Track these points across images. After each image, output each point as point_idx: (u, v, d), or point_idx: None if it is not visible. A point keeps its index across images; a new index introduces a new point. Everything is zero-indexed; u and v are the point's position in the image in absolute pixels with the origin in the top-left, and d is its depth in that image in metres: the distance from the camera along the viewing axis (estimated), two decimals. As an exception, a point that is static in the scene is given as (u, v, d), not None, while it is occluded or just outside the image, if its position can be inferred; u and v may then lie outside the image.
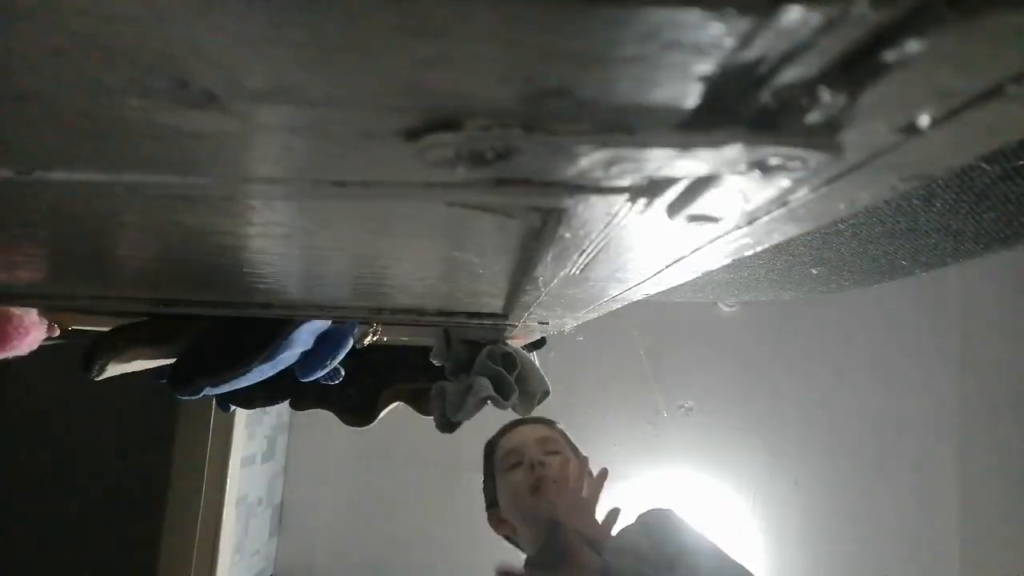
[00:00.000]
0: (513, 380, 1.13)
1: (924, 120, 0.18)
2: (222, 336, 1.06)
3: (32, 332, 0.98)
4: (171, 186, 0.26)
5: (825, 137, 0.18)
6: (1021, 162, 0.53)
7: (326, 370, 1.15)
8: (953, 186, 0.53)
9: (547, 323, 0.79)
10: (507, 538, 1.41)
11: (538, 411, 1.18)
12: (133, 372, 1.08)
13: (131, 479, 2.11)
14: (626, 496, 2.54)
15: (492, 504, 1.43)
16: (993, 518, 2.38)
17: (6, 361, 0.98)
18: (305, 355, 1.12)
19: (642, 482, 2.54)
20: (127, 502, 2.10)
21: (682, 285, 0.48)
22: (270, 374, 1.11)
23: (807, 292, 0.94)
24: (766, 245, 0.34)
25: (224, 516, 2.02)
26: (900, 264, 0.72)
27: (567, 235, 0.32)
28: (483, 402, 1.10)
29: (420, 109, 0.17)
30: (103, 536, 2.10)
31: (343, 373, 1.18)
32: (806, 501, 2.51)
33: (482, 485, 1.46)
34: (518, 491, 1.32)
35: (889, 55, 0.15)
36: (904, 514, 2.48)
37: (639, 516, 1.25)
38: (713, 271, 0.41)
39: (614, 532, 1.21)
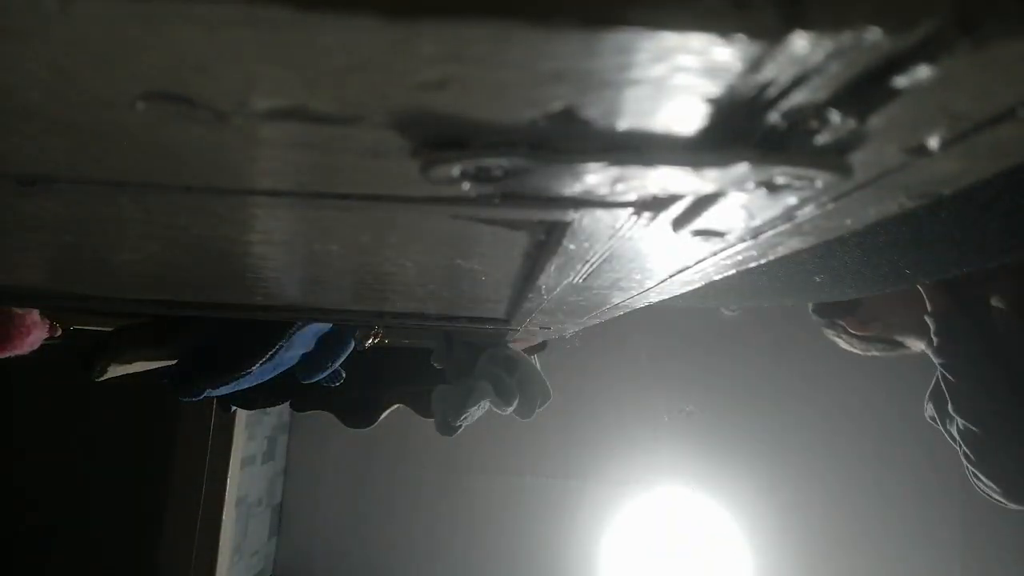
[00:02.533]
0: (514, 384, 1.13)
1: (934, 142, 0.18)
2: (223, 338, 1.06)
3: (33, 332, 0.98)
4: (175, 197, 0.26)
5: (833, 158, 0.18)
6: (1026, 172, 0.53)
7: (327, 372, 1.15)
8: (958, 197, 0.52)
9: (549, 328, 0.79)
10: (871, 339, 1.38)
11: (539, 415, 1.18)
12: (134, 373, 1.08)
13: (131, 479, 2.11)
14: (626, 499, 2.54)
15: (848, 312, 1.39)
16: (996, 530, 2.37)
17: (7, 361, 0.98)
18: (306, 357, 1.12)
19: (642, 485, 2.53)
20: (127, 502, 2.10)
21: (684, 292, 0.47)
22: (271, 375, 1.11)
23: (810, 299, 0.94)
24: (771, 258, 0.34)
25: (224, 516, 2.01)
26: (904, 273, 0.72)
27: (571, 247, 0.32)
28: (484, 406, 1.11)
29: (425, 129, 0.17)
30: (103, 536, 2.09)
31: (344, 375, 1.18)
32: (806, 504, 2.50)
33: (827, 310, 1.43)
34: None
35: (900, 80, 0.15)
36: (906, 518, 2.47)
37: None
38: (715, 279, 0.41)
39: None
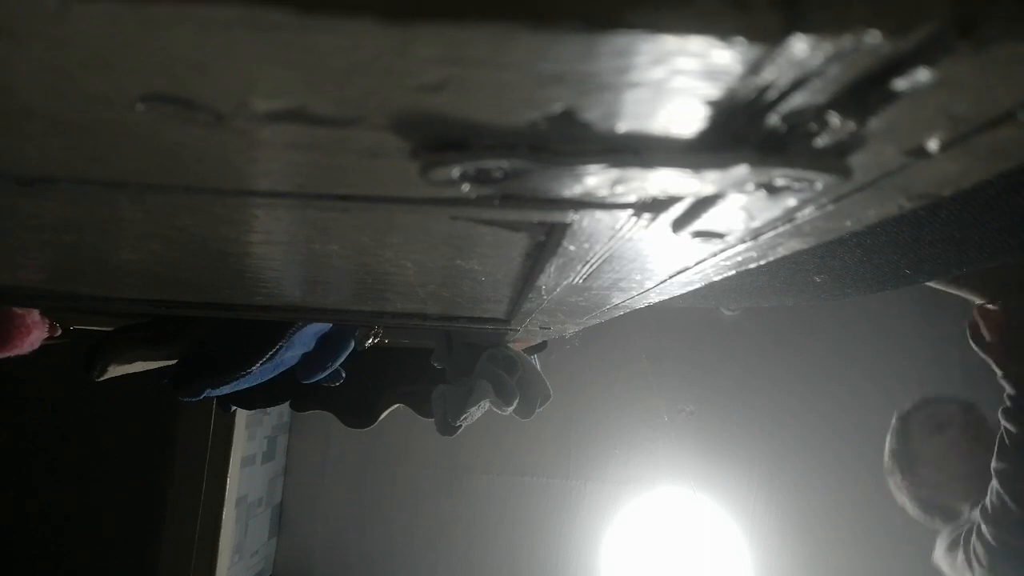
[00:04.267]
0: (514, 384, 1.13)
1: (933, 144, 0.18)
2: (223, 337, 1.06)
3: (33, 332, 0.98)
4: (174, 198, 0.26)
5: (833, 160, 0.18)
6: (1026, 173, 0.53)
7: (327, 372, 1.14)
8: (958, 197, 0.52)
9: (549, 328, 0.79)
10: (922, 500, 1.45)
11: (539, 415, 1.18)
12: (134, 373, 1.08)
13: (131, 479, 2.11)
14: (626, 499, 2.54)
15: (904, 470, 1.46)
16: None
17: (7, 361, 0.98)
18: (306, 357, 1.12)
19: (642, 485, 2.53)
20: (127, 502, 2.10)
21: (684, 293, 0.47)
22: (271, 375, 1.11)
23: (810, 300, 0.94)
24: (770, 259, 0.34)
25: (224, 516, 2.01)
26: (904, 273, 0.72)
27: (571, 248, 0.32)
28: (484, 406, 1.10)
29: (425, 131, 0.17)
30: (103, 536, 2.09)
31: (344, 375, 1.18)
32: (806, 505, 2.51)
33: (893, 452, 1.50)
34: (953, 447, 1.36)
35: (900, 83, 0.15)
36: (906, 518, 2.47)
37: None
38: (715, 280, 0.41)
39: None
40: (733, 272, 0.37)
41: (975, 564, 1.23)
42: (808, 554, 2.50)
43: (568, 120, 0.16)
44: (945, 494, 1.42)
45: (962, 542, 1.30)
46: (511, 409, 1.13)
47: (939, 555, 1.43)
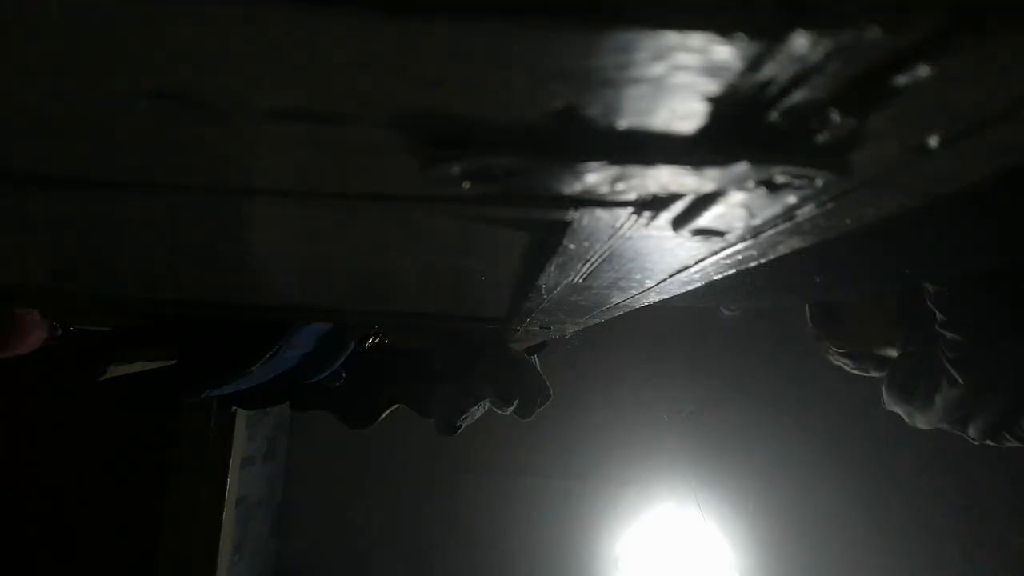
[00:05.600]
0: (514, 384, 1.13)
1: (934, 141, 0.18)
2: (224, 338, 1.06)
3: (34, 332, 0.98)
4: (175, 197, 0.26)
5: (834, 157, 0.18)
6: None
7: (327, 372, 1.15)
8: (957, 197, 0.52)
9: (549, 327, 0.79)
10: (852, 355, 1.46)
11: (539, 415, 1.18)
12: (134, 373, 1.08)
13: (131, 479, 2.11)
14: (625, 498, 2.54)
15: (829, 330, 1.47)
16: (995, 524, 2.37)
17: (7, 361, 0.98)
18: (307, 357, 1.12)
19: (641, 485, 2.53)
20: (127, 502, 2.10)
21: (684, 292, 0.47)
22: (271, 375, 1.11)
23: (810, 299, 0.94)
24: (771, 257, 0.34)
25: (224, 517, 2.01)
26: (904, 273, 0.72)
27: (571, 246, 0.32)
28: (484, 405, 1.11)
29: (426, 128, 0.17)
30: (103, 536, 2.09)
31: (344, 375, 1.18)
32: (806, 504, 2.50)
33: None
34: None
35: (900, 79, 0.15)
36: (906, 519, 2.47)
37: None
38: (715, 279, 0.41)
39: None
40: (734, 271, 0.37)
41: (944, 384, 1.22)
42: (808, 553, 2.50)
43: (569, 117, 0.16)
44: (870, 344, 1.41)
45: (921, 374, 1.29)
46: (511, 409, 1.13)
47: (891, 399, 1.43)
